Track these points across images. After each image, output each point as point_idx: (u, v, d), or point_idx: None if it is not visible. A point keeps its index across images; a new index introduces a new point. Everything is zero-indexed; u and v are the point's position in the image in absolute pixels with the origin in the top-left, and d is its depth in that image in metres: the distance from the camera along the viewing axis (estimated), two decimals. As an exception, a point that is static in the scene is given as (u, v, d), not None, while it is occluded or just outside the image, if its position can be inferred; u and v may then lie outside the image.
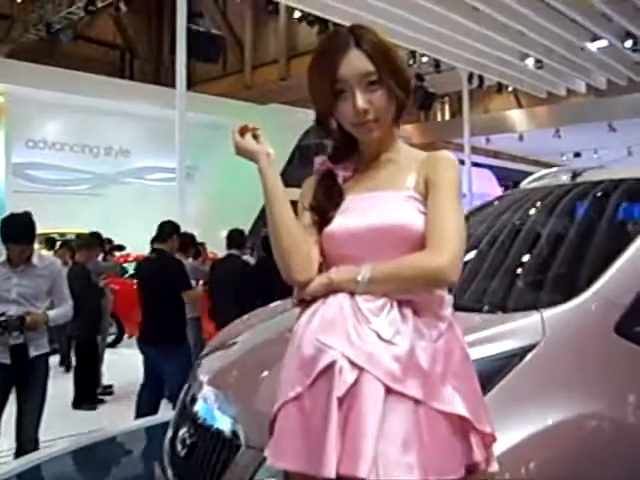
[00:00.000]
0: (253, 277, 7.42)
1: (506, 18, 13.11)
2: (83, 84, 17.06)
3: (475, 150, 21.34)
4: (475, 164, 21.52)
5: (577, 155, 24.82)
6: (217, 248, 10.35)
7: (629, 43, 14.24)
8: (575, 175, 3.32)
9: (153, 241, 6.06)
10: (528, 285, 2.74)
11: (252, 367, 2.61)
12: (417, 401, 1.52)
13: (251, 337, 3.09)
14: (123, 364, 8.46)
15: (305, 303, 1.68)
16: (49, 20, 18.86)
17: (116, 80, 20.41)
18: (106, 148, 19.18)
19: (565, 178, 3.41)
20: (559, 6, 12.76)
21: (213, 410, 2.46)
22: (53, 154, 18.12)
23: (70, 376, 7.75)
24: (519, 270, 2.87)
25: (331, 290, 1.63)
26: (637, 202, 3.15)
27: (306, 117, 21.85)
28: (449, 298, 1.70)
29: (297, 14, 17.19)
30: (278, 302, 3.53)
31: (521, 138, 22.35)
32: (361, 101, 1.68)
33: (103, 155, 19.17)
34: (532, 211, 3.29)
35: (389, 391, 1.51)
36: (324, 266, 1.72)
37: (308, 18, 16.57)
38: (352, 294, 1.61)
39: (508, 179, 23.89)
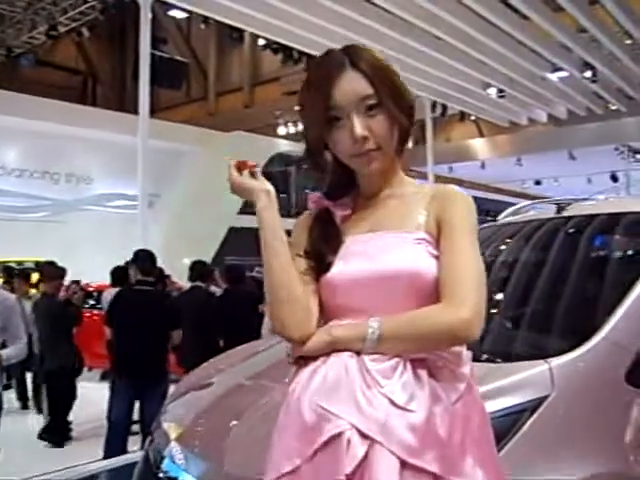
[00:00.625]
0: (218, 309, 7.31)
1: (469, 48, 13.26)
2: (44, 110, 16.82)
3: (438, 178, 21.50)
4: (438, 192, 21.64)
5: (538, 183, 25.11)
6: (179, 276, 10.17)
7: (588, 74, 14.51)
8: (560, 208, 3.16)
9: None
10: (531, 330, 2.58)
11: (221, 419, 2.46)
12: (436, 476, 1.33)
13: (221, 383, 2.93)
14: (85, 398, 8.18)
15: (302, 361, 1.47)
16: (10, 44, 18.65)
17: (78, 106, 20.13)
18: (67, 174, 18.88)
19: (545, 210, 3.30)
20: (520, 37, 12.96)
21: (179, 470, 2.29)
22: (12, 180, 17.77)
23: (29, 412, 7.48)
24: (520, 314, 2.69)
25: (333, 348, 1.43)
26: (634, 237, 2.96)
27: (270, 145, 22.13)
28: (467, 354, 1.49)
29: (261, 42, 17.24)
30: (250, 344, 3.41)
31: (483, 166, 22.56)
32: (359, 128, 1.48)
33: (64, 182, 18.87)
34: (525, 248, 3.11)
35: (404, 465, 1.31)
36: (322, 319, 1.52)
37: (272, 46, 16.62)
38: (358, 353, 1.40)
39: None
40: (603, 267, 2.71)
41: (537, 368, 2.07)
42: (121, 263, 8.25)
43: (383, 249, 1.49)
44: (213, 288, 8.44)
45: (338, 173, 1.63)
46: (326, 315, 1.52)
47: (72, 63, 27.07)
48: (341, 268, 1.50)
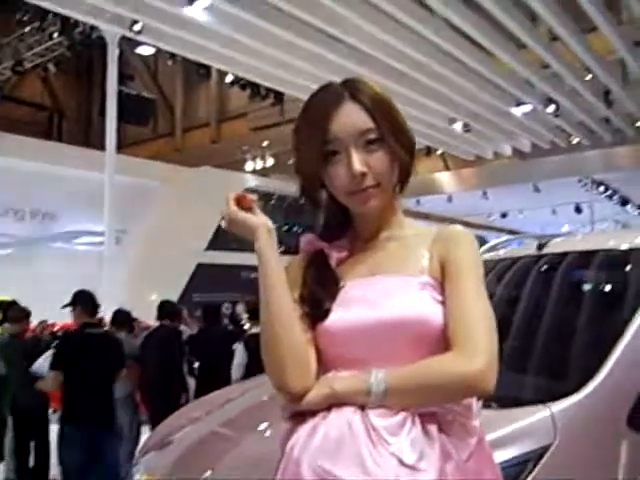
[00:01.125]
0: (193, 348, 7.21)
1: (434, 83, 13.45)
2: (8, 145, 16.61)
3: (406, 212, 21.56)
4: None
5: (504, 215, 25.39)
6: (146, 313, 10.00)
7: (551, 108, 14.77)
8: (541, 245, 3.09)
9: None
10: (528, 373, 2.48)
11: (194, 471, 2.36)
12: None
13: (195, 432, 2.83)
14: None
15: (299, 417, 1.34)
16: (-25, 80, 18.53)
17: (43, 142, 19.98)
18: (32, 211, 18.64)
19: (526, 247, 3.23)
20: (485, 72, 13.18)
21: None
22: (-24, 217, 17.51)
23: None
24: (515, 356, 2.57)
25: (334, 402, 1.30)
26: (621, 275, 2.85)
27: (238, 180, 22.08)
28: (478, 406, 1.39)
29: (229, 78, 17.30)
30: (224, 390, 3.32)
31: (450, 199, 22.77)
32: (358, 163, 1.37)
33: (29, 218, 18.61)
34: (516, 287, 3.01)
35: None
36: (319, 370, 1.38)
37: (240, 82, 16.69)
38: (362, 407, 1.28)
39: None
40: (595, 306, 2.65)
41: (539, 414, 1.99)
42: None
43: (385, 294, 1.38)
44: (182, 327, 8.33)
45: (333, 212, 1.52)
46: (323, 366, 1.39)
47: (38, 99, 26.95)
48: (340, 315, 1.38)
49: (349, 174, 1.38)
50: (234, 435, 2.67)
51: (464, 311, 1.32)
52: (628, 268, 2.81)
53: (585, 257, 2.93)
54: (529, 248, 3.17)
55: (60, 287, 15.16)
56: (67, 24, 14.77)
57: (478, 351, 1.27)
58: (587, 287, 2.78)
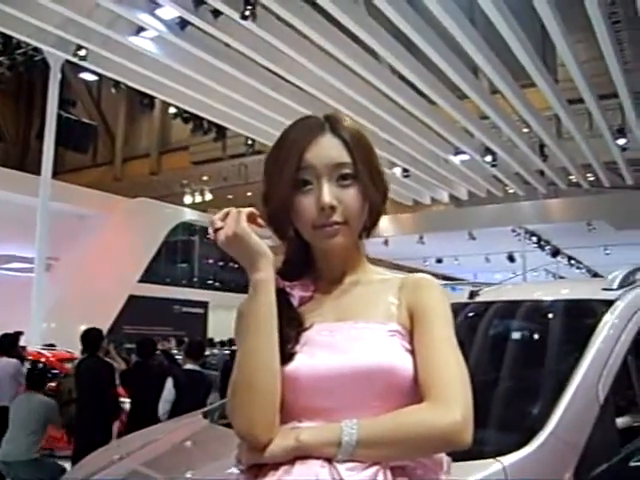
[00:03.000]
0: (127, 382, 7.04)
1: (375, 127, 13.65)
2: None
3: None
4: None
5: (439, 261, 25.76)
6: (72, 343, 9.73)
7: (489, 158, 15.17)
8: (473, 294, 3.06)
9: None
10: (477, 425, 2.46)
11: None
12: None
13: (116, 471, 2.74)
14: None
15: (256, 469, 1.24)
16: None
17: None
18: (-40, 234, 18.07)
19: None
20: (426, 120, 13.48)
21: None
22: None
23: None
24: None
25: (298, 454, 1.20)
26: (561, 325, 2.86)
27: (175, 213, 21.85)
28: (448, 460, 1.31)
29: (172, 110, 17.25)
30: (148, 429, 3.22)
31: (386, 243, 22.99)
32: (329, 195, 1.30)
33: (-44, 241, 18.03)
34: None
35: None
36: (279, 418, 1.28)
37: (183, 115, 16.66)
38: (329, 460, 1.18)
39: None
40: (535, 356, 2.65)
41: (492, 468, 1.94)
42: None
43: (353, 341, 1.30)
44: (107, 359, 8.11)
45: (296, 249, 1.42)
46: (284, 414, 1.27)
47: (-26, 119, 26.37)
48: (305, 360, 1.29)
49: (318, 206, 1.31)
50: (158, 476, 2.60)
51: (437, 361, 1.27)
52: (561, 319, 2.86)
53: (516, 307, 2.95)
54: (461, 297, 3.18)
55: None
56: (9, 44, 14.51)
57: (455, 402, 1.21)
58: (524, 337, 2.79)
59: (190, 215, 21.35)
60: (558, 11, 9.67)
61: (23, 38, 11.93)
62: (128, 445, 3.10)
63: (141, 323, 17.67)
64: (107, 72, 12.62)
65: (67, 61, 12.64)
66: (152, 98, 17.64)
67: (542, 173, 17.32)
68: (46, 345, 11.95)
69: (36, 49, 13.96)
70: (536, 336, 2.81)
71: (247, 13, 9.11)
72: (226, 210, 1.31)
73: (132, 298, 18.66)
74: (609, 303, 2.59)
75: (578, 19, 10.64)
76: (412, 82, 11.97)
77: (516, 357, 2.71)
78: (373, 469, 1.19)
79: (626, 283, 2.73)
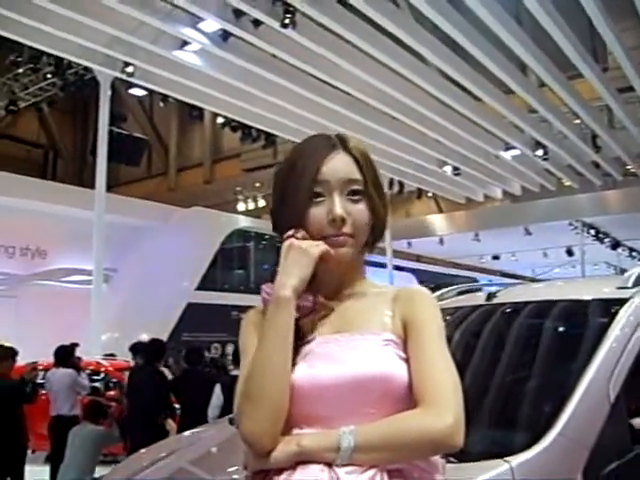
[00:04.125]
0: (176, 389, 7.23)
1: (424, 127, 13.62)
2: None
3: (398, 254, 21.69)
4: (398, 267, 21.84)
5: (496, 257, 25.49)
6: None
7: (540, 152, 14.93)
8: (491, 296, 3.08)
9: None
10: (484, 426, 2.43)
11: None
12: None
13: (161, 469, 2.82)
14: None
15: (262, 475, 1.32)
16: (-31, 119, 18.70)
17: (35, 180, 20.03)
18: (22, 248, 18.64)
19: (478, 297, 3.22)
20: (474, 117, 13.35)
21: None
22: (-34, 254, 17.50)
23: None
24: (471, 409, 2.59)
25: (299, 460, 1.28)
26: (575, 325, 2.87)
27: (229, 220, 22.07)
28: (442, 462, 1.39)
29: (220, 120, 17.47)
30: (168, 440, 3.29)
31: (441, 242, 22.86)
32: (340, 208, 1.40)
33: (19, 255, 18.60)
34: (466, 338, 3.00)
35: None
36: None
37: (231, 124, 16.86)
38: (329, 465, 1.26)
39: (430, 282, 24.25)
40: (547, 356, 2.63)
41: (499, 468, 1.96)
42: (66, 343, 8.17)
43: (350, 351, 1.37)
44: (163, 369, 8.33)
45: None
46: (284, 422, 1.34)
47: (34, 137, 27.14)
48: (305, 371, 1.36)
49: (329, 218, 1.40)
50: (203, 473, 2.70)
51: (429, 369, 1.33)
52: (575, 319, 2.85)
53: (533, 308, 2.94)
54: (478, 298, 3.19)
55: (47, 325, 15.21)
56: (61, 65, 14.96)
57: (446, 408, 1.28)
58: (537, 338, 2.77)
59: (244, 222, 21.53)
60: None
61: (73, 59, 12.31)
62: (167, 447, 3.18)
63: (199, 330, 17.94)
64: (155, 87, 12.88)
65: (116, 78, 12.93)
66: (201, 109, 17.93)
67: (596, 165, 16.96)
68: (106, 355, 12.26)
69: (86, 68, 14.36)
70: (550, 336, 2.78)
71: (287, 21, 9.21)
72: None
73: (190, 306, 18.93)
74: (623, 301, 2.57)
75: (624, 5, 10.46)
76: (457, 81, 11.89)
77: (529, 357, 2.70)
78: (371, 472, 1.26)
79: None
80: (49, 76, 15.92)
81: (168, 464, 2.95)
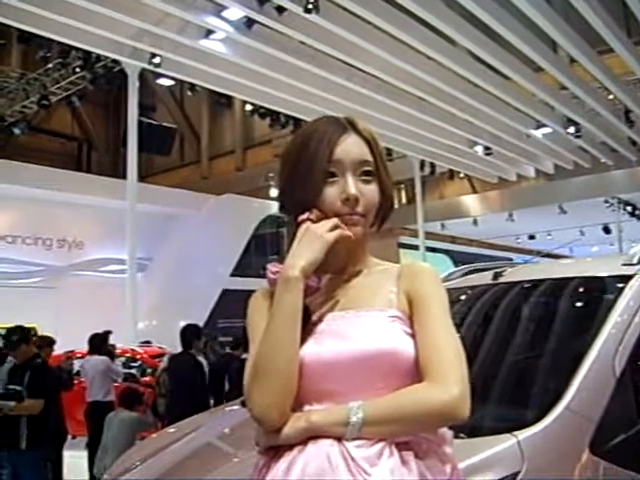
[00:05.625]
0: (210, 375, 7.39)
1: (453, 108, 13.53)
2: (35, 176, 16.98)
3: (432, 235, 21.59)
4: (432, 249, 21.74)
5: (532, 237, 25.18)
6: (172, 339, 10.10)
7: (572, 129, 14.73)
8: (497, 275, 3.13)
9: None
10: (491, 402, 2.46)
11: None
12: None
13: (189, 443, 2.93)
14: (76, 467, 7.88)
15: (273, 451, 1.35)
16: (3, 114, 18.98)
17: (69, 172, 20.36)
18: (59, 240, 18.95)
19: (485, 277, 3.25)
20: (503, 96, 13.21)
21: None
22: (4, 246, 17.82)
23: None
24: (478, 385, 2.62)
25: (310, 435, 1.31)
26: (581, 302, 2.95)
27: (262, 206, 22.12)
28: (450, 434, 1.42)
29: (249, 107, 17.53)
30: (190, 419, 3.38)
31: (475, 222, 22.66)
32: (354, 187, 1.44)
33: (56, 247, 18.92)
34: (468, 317, 3.02)
35: None
36: None
37: (260, 111, 16.91)
38: (339, 439, 1.29)
39: (465, 263, 24.06)
40: (553, 333, 2.67)
41: (506, 443, 2.00)
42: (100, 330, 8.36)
43: (357, 328, 1.40)
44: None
45: None
46: (294, 399, 1.37)
47: (68, 130, 27.48)
48: (313, 348, 1.38)
49: (342, 197, 1.43)
50: (227, 450, 2.79)
51: (435, 343, 1.36)
52: (581, 296, 2.90)
53: (540, 286, 2.98)
54: (485, 278, 3.22)
55: (86, 315, 15.49)
56: (89, 59, 15.14)
57: (452, 380, 1.31)
58: (543, 315, 2.80)
59: (276, 208, 21.56)
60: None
61: (100, 52, 12.45)
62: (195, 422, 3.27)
63: (235, 316, 18.09)
64: (182, 76, 13.00)
65: (144, 69, 13.05)
66: (229, 97, 17.99)
67: (631, 141, 16.66)
68: (142, 342, 12.47)
69: (114, 61, 14.52)
70: (556, 313, 2.81)
71: (310, 6, 9.21)
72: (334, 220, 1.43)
73: (225, 292, 19.10)
74: (628, 278, 2.60)
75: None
76: (486, 60, 11.75)
77: (535, 334, 2.76)
78: (379, 445, 1.29)
79: None
80: (78, 70, 16.09)
81: (194, 438, 3.03)
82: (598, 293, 2.78)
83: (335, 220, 1.42)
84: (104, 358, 8.12)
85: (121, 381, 8.47)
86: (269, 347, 1.35)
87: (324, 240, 1.40)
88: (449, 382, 1.30)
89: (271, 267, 1.46)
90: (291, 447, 1.32)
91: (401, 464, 1.29)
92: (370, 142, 1.51)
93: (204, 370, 7.47)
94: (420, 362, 1.35)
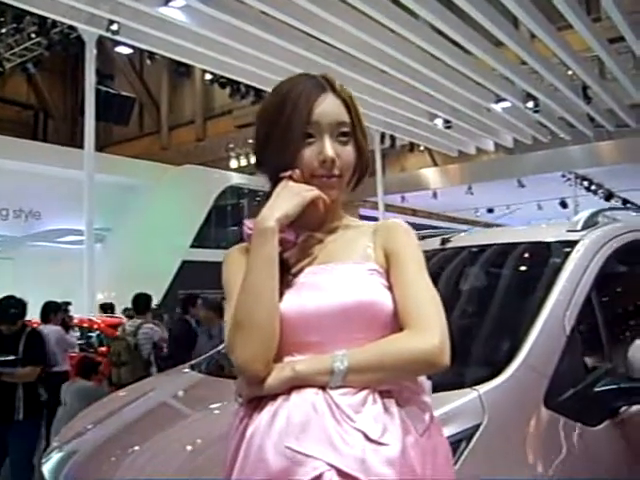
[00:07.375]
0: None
1: (414, 81, 13.53)
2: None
3: (392, 208, 21.68)
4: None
5: (490, 211, 25.46)
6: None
7: (530, 104, 14.85)
8: (445, 240, 3.26)
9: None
10: (453, 359, 2.58)
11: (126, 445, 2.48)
12: None
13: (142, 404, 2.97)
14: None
15: (254, 402, 1.36)
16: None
17: (26, 141, 19.95)
18: (16, 210, 18.64)
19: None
20: (464, 70, 13.26)
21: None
22: (-40, 217, 17.51)
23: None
24: None
25: (294, 385, 1.33)
26: (529, 265, 3.12)
27: (222, 177, 21.99)
28: (428, 383, 1.47)
29: (209, 76, 17.34)
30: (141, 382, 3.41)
31: (435, 195, 22.81)
32: (331, 149, 1.45)
33: (12, 217, 18.61)
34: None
35: None
36: None
37: (220, 80, 16.74)
38: (323, 388, 1.32)
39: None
40: (505, 295, 2.81)
41: (468, 396, 2.10)
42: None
43: (336, 280, 1.43)
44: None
45: None
46: (276, 351, 1.38)
47: (23, 98, 26.91)
48: (294, 301, 1.41)
49: (319, 158, 1.45)
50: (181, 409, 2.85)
51: (413, 295, 1.40)
52: (529, 260, 3.07)
53: (491, 250, 3.13)
54: (433, 243, 3.31)
55: (43, 286, 15.30)
56: (45, 24, 14.79)
57: (431, 329, 1.35)
58: (495, 279, 2.93)
59: (237, 179, 21.43)
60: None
61: (57, 17, 12.15)
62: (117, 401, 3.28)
63: (194, 287, 17.99)
64: (140, 44, 12.78)
65: (102, 36, 12.79)
66: (189, 66, 17.76)
67: (589, 116, 16.87)
68: (104, 304, 12.45)
69: (71, 27, 14.19)
70: (506, 277, 2.98)
71: (270, -25, 9.10)
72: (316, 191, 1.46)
73: (185, 263, 19.02)
74: (573, 243, 2.76)
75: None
76: (447, 34, 11.76)
77: (489, 297, 2.88)
78: (363, 393, 1.33)
79: (589, 225, 2.92)
80: (33, 36, 15.73)
81: (150, 398, 3.07)
82: (545, 257, 2.90)
83: (317, 192, 1.45)
84: (57, 328, 8.06)
85: (78, 351, 8.42)
86: (249, 297, 1.37)
87: (302, 197, 1.43)
88: (429, 331, 1.34)
89: (248, 223, 1.47)
90: (274, 397, 1.34)
91: (384, 411, 1.33)
92: (347, 102, 1.52)
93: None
94: (400, 313, 1.39)
